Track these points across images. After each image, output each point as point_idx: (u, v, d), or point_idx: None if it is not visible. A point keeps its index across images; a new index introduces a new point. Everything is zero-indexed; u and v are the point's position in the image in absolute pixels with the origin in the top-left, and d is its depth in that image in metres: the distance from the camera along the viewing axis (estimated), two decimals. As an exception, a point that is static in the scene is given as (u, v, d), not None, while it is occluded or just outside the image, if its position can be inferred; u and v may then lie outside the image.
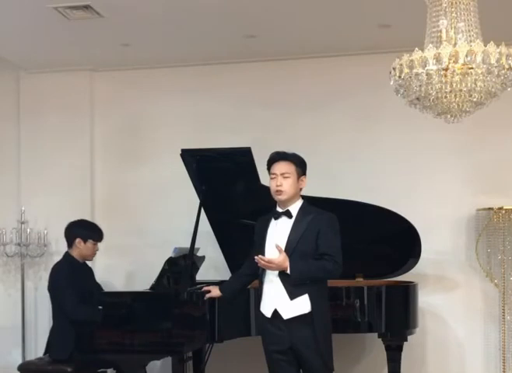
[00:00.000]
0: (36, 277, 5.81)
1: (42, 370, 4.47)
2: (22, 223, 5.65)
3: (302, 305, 3.47)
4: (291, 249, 3.48)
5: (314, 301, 3.47)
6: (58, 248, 5.56)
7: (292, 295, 3.47)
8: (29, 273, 5.79)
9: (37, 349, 5.53)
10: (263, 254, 3.51)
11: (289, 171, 3.56)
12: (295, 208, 3.60)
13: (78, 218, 4.80)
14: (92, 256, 4.71)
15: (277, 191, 3.55)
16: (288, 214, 3.58)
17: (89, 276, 4.78)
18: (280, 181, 3.55)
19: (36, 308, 5.77)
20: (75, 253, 4.64)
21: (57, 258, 5.07)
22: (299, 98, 5.49)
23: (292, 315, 3.48)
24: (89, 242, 4.64)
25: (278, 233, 3.57)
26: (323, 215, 3.57)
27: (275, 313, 3.52)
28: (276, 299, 3.51)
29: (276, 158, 3.61)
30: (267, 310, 3.56)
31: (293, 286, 3.46)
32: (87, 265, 4.79)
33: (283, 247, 3.47)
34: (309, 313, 3.47)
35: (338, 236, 3.55)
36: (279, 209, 3.62)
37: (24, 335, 5.71)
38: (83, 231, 4.66)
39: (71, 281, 4.45)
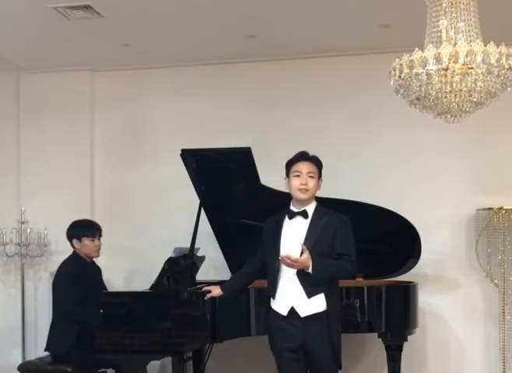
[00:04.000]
0: (36, 277, 5.80)
1: (42, 370, 4.46)
2: (22, 223, 5.65)
3: (318, 304, 3.54)
4: (308, 248, 3.51)
5: (329, 300, 3.55)
6: (58, 248, 5.55)
7: (310, 294, 3.53)
8: (29, 273, 5.79)
9: (37, 349, 5.51)
10: (278, 253, 3.55)
11: (313, 171, 3.65)
12: (311, 208, 3.66)
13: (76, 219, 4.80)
14: (95, 252, 4.69)
15: (301, 189, 3.61)
16: (304, 214, 3.63)
17: (96, 275, 4.77)
18: (306, 180, 3.62)
19: (36, 308, 5.77)
20: (79, 252, 4.66)
21: (57, 258, 5.08)
22: (299, 98, 5.49)
23: (309, 313, 3.54)
24: (85, 240, 4.63)
25: (293, 233, 3.61)
26: (337, 217, 3.65)
27: (292, 311, 3.56)
28: (293, 297, 3.56)
29: (301, 157, 3.69)
30: (282, 308, 3.60)
31: (311, 285, 3.51)
32: (95, 264, 4.79)
33: (300, 247, 3.50)
34: (324, 311, 3.54)
35: (351, 237, 3.64)
36: (294, 209, 3.67)
37: (24, 335, 5.71)
38: (76, 230, 4.67)
39: (74, 280, 4.45)
